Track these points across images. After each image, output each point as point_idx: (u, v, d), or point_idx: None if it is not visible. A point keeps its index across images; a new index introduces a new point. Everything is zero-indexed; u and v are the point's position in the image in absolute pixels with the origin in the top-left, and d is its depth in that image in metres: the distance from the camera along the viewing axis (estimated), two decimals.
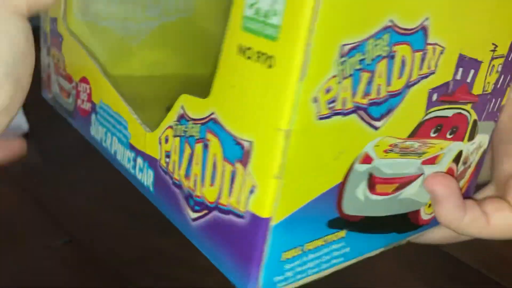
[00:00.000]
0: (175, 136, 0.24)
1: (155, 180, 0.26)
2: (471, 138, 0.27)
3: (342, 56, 0.18)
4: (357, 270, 0.27)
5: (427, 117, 0.24)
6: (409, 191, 0.25)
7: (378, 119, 0.21)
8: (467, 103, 0.26)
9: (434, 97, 0.24)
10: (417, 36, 0.21)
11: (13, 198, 0.36)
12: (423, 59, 0.22)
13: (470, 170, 0.29)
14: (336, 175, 0.21)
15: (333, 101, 0.19)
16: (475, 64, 0.25)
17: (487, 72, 0.26)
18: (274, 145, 0.18)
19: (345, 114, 0.20)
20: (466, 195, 0.30)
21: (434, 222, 0.29)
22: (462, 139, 0.27)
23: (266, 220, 0.19)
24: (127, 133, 0.28)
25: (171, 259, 0.34)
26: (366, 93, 0.20)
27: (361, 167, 0.22)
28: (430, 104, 0.24)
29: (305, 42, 0.17)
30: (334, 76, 0.18)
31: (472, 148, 0.28)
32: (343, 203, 0.22)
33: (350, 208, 0.23)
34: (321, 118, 0.19)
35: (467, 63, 0.24)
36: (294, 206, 0.20)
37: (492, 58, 0.25)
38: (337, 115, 0.19)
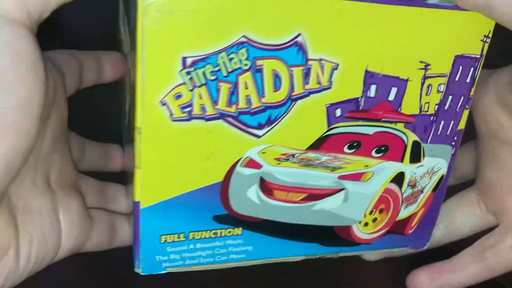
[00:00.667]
0: None
1: None
2: (414, 160, 0.26)
3: (185, 67, 0.20)
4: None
5: (332, 132, 0.24)
6: (328, 205, 0.26)
7: (258, 128, 0.23)
8: (394, 122, 0.25)
9: (338, 112, 0.24)
10: (290, 52, 0.21)
11: None
12: (306, 74, 0.22)
13: (424, 195, 0.27)
14: (213, 174, 0.23)
15: (188, 106, 0.21)
16: (397, 82, 0.24)
17: (421, 92, 0.24)
18: (135, 140, 0.21)
19: (208, 119, 0.22)
20: (427, 220, 0.28)
21: (383, 244, 0.28)
22: (400, 160, 0.26)
23: (137, 204, 0.23)
24: None
25: None
26: (232, 102, 0.22)
27: (246, 171, 0.24)
28: (333, 119, 0.24)
29: (140, 55, 0.20)
30: (182, 84, 0.21)
31: (421, 171, 0.26)
32: (230, 201, 0.24)
33: (242, 208, 0.24)
34: (176, 120, 0.21)
35: (381, 81, 0.23)
36: (162, 195, 0.23)
37: (426, 77, 0.24)
38: (197, 119, 0.22)
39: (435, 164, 0.27)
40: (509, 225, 0.27)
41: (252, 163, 0.24)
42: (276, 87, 0.22)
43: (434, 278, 0.28)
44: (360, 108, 0.24)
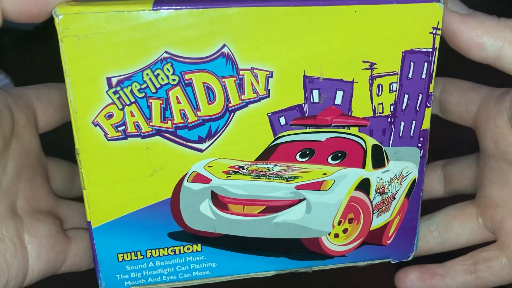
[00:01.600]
0: None
1: None
2: (378, 165, 0.25)
3: (112, 87, 0.21)
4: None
5: (280, 141, 0.23)
6: (289, 216, 0.25)
7: (199, 142, 0.23)
8: (346, 126, 0.23)
9: (282, 121, 0.23)
10: (219, 63, 0.21)
11: None
12: (240, 85, 0.22)
13: (397, 202, 0.25)
14: (161, 191, 0.23)
15: (121, 125, 0.22)
16: (341, 84, 0.23)
17: (371, 93, 0.23)
18: (78, 162, 0.22)
19: (144, 137, 0.22)
20: (406, 229, 0.26)
21: (360, 256, 0.26)
22: (361, 166, 0.24)
23: (89, 223, 0.23)
24: None
25: None
26: (167, 118, 0.22)
27: (195, 186, 0.23)
28: (278, 128, 0.23)
29: (66, 80, 0.20)
30: (111, 104, 0.21)
31: (388, 177, 0.25)
32: (184, 217, 0.24)
33: (196, 224, 0.24)
34: (112, 139, 0.22)
35: (324, 85, 0.22)
36: (111, 214, 0.23)
37: (373, 77, 0.23)
38: (133, 137, 0.22)
39: (402, 168, 0.25)
40: (506, 244, 0.26)
41: (199, 178, 0.24)
42: (211, 99, 0.22)
43: (426, 279, 0.27)
44: (306, 115, 0.23)
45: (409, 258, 0.27)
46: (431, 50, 0.23)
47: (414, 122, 0.24)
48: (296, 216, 0.25)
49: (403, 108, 0.24)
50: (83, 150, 0.22)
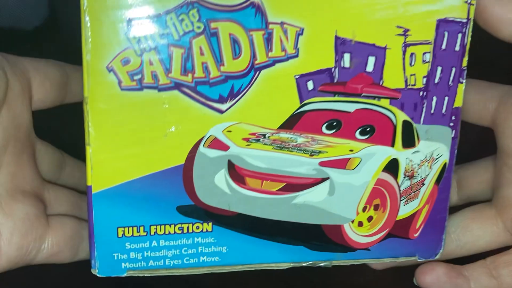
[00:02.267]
0: None
1: None
2: (408, 144, 0.23)
3: (132, 30, 0.19)
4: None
5: (306, 108, 0.22)
6: (311, 197, 0.22)
7: (219, 101, 0.21)
8: (377, 97, 0.22)
9: (310, 85, 0.21)
10: (247, 14, 0.20)
11: None
12: (268, 40, 0.20)
13: (427, 188, 0.24)
14: (174, 155, 0.21)
15: (137, 73, 0.20)
16: (374, 50, 0.21)
17: (404, 61, 0.22)
18: (84, 113, 0.20)
19: (161, 89, 0.20)
20: (434, 221, 0.24)
21: (385, 250, 0.24)
22: (390, 144, 0.23)
23: (89, 189, 0.21)
24: None
25: None
26: (187, 70, 0.20)
27: (211, 152, 0.21)
28: (305, 93, 0.21)
29: (83, 19, 0.19)
30: (129, 48, 0.19)
31: (418, 158, 0.23)
32: (196, 189, 0.22)
33: (209, 198, 0.22)
34: (125, 89, 0.20)
35: (356, 49, 0.21)
36: (116, 178, 0.21)
37: (407, 45, 0.22)
38: (149, 89, 0.20)
39: (433, 149, 0.23)
40: None
41: (217, 143, 0.22)
42: (236, 54, 0.21)
43: (452, 277, 0.25)
44: (335, 81, 0.22)
45: (436, 257, 0.25)
46: (465, 20, 0.22)
47: (446, 98, 0.23)
48: (318, 197, 0.23)
49: (436, 81, 0.23)
50: (93, 99, 0.20)
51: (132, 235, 0.22)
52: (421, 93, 0.23)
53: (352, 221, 0.23)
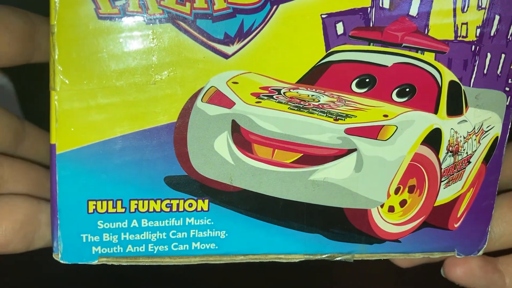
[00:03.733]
0: None
1: None
2: (454, 111, 0.19)
3: None
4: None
5: (333, 58, 0.17)
6: (333, 173, 0.18)
7: (225, 42, 0.16)
8: (421, 50, 0.18)
9: (340, 28, 0.17)
10: None
11: None
12: None
13: (473, 168, 0.19)
14: (163, 110, 0.16)
15: None
16: None
17: (455, 6, 0.18)
18: (50, 47, 0.15)
19: (150, 21, 0.16)
20: (479, 209, 0.20)
21: (418, 243, 0.20)
22: (433, 110, 0.18)
23: (53, 147, 0.16)
24: None
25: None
26: None
27: (211, 109, 0.17)
28: (333, 38, 0.17)
29: None
30: None
31: (464, 130, 0.19)
32: (190, 156, 0.17)
33: (206, 168, 0.17)
34: (104, 17, 0.15)
35: None
36: (88, 136, 0.16)
37: None
38: (135, 19, 0.15)
39: (483, 119, 0.19)
40: None
41: (219, 98, 0.17)
42: None
43: (488, 271, 0.22)
44: (371, 25, 0.17)
45: (479, 253, 0.21)
46: None
47: (503, 56, 0.19)
48: (342, 174, 0.18)
49: (492, 34, 0.18)
50: (61, 28, 0.15)
51: (107, 211, 0.17)
52: (473, 48, 0.18)
53: (382, 206, 0.19)
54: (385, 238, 0.19)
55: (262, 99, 0.17)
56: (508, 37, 0.18)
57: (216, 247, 0.18)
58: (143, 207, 0.17)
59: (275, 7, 0.16)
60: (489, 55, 0.18)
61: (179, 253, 0.18)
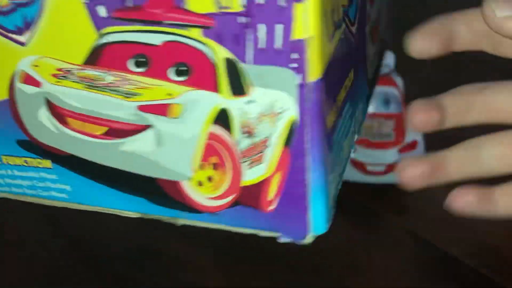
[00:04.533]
0: None
1: None
2: (237, 91, 0.16)
3: None
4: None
5: (106, 40, 0.17)
6: (138, 146, 0.19)
7: (18, 32, 0.18)
8: (185, 26, 0.16)
9: (102, 11, 0.17)
10: None
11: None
12: None
13: (273, 152, 0.17)
14: None
15: None
16: None
17: None
18: None
19: None
20: (292, 194, 0.18)
21: (235, 219, 0.19)
22: (215, 89, 0.17)
23: None
24: None
25: (170, 259, 0.34)
26: None
27: (27, 88, 0.19)
28: (99, 21, 0.17)
29: None
30: None
31: (254, 111, 0.17)
32: (26, 125, 0.20)
33: (40, 135, 0.20)
34: None
35: None
36: None
37: None
38: None
39: (273, 100, 0.16)
40: None
41: (29, 79, 0.20)
42: None
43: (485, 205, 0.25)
44: (131, 4, 0.17)
45: (306, 241, 0.19)
46: None
47: (281, 26, 0.15)
48: (145, 147, 0.19)
49: (261, 1, 0.15)
50: None
51: None
52: (240, 20, 0.16)
53: (190, 180, 0.19)
54: (202, 209, 0.20)
55: (61, 79, 0.19)
56: (280, 3, 0.15)
57: (68, 197, 0.22)
58: (11, 161, 0.22)
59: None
60: (263, 27, 0.15)
61: (46, 197, 0.22)
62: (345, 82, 0.20)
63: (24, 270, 0.26)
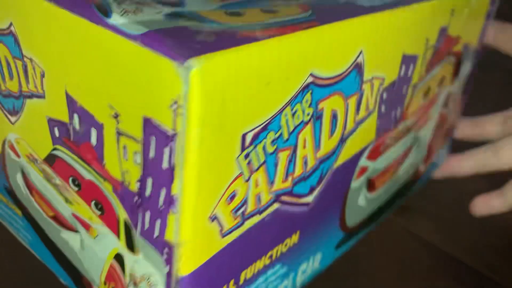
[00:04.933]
0: None
1: None
2: (130, 246, 0.17)
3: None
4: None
5: (57, 153, 0.19)
6: (71, 240, 0.21)
7: (9, 113, 0.21)
8: (102, 177, 0.17)
9: (56, 132, 0.19)
10: (8, 40, 0.19)
11: None
12: (25, 71, 0.19)
13: None
14: None
15: None
16: (94, 123, 0.17)
17: (118, 151, 0.16)
18: None
19: None
20: None
21: None
22: (117, 234, 0.18)
23: None
24: None
25: None
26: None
27: (11, 154, 0.23)
28: (54, 138, 0.19)
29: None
30: None
31: (139, 270, 0.18)
32: (9, 178, 0.24)
33: (16, 190, 0.24)
34: None
35: (82, 113, 0.17)
36: None
37: (120, 133, 0.16)
38: None
39: (149, 272, 0.17)
40: None
41: (13, 149, 0.23)
42: (11, 76, 0.20)
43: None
44: (71, 139, 0.18)
45: None
46: (172, 133, 0.14)
47: (158, 221, 0.16)
48: (75, 245, 0.21)
49: (148, 194, 0.16)
50: None
51: None
52: (135, 199, 0.16)
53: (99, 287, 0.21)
54: None
55: (31, 162, 0.22)
56: (160, 206, 0.15)
57: (29, 243, 0.25)
58: (2, 198, 0.26)
59: (24, 99, 0.20)
60: (148, 214, 0.16)
61: (19, 236, 0.26)
62: (269, 252, 0.20)
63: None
